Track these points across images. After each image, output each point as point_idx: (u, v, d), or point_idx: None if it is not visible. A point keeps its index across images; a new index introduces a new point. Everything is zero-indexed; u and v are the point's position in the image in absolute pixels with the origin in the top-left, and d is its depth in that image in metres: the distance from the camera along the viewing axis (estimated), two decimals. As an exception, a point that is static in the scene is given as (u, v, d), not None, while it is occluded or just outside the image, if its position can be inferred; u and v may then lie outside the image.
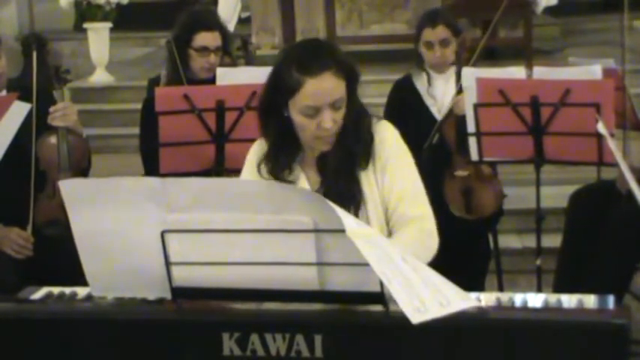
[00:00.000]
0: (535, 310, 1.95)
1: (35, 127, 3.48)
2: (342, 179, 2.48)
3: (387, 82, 4.69)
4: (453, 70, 4.09)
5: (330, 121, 2.42)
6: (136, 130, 4.11)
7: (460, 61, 4.05)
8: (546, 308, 1.96)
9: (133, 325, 1.99)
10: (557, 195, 4.52)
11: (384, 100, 4.30)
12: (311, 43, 2.57)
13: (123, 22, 8.09)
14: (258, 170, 2.56)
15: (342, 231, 1.81)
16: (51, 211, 3.44)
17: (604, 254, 3.73)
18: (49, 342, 2.00)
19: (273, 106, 2.48)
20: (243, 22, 7.93)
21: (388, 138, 2.54)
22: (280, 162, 2.54)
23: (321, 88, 2.39)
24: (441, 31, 4.09)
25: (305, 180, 2.56)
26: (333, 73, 2.40)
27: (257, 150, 2.62)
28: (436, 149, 3.96)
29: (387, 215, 2.53)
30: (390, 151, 2.52)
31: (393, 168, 2.51)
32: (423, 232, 2.48)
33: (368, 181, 2.51)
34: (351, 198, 2.47)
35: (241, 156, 3.58)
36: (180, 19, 4.07)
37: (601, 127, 3.29)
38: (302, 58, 2.43)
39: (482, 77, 3.70)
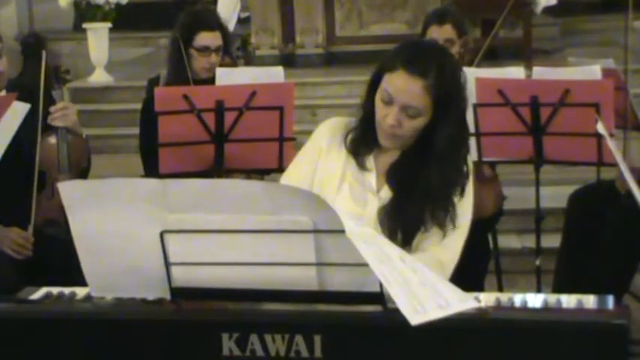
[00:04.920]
0: (535, 310, 1.95)
1: (35, 127, 3.48)
2: (420, 210, 2.42)
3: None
4: None
5: (394, 119, 2.39)
6: (136, 130, 4.11)
7: (462, 63, 4.04)
8: (546, 308, 1.95)
9: (133, 326, 1.98)
10: (556, 195, 4.52)
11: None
12: (436, 50, 2.51)
13: (122, 22, 8.09)
14: (344, 139, 2.52)
15: (342, 231, 1.81)
16: (50, 212, 3.44)
17: (603, 254, 3.73)
18: (49, 342, 1.99)
19: (378, 78, 2.45)
20: (242, 22, 7.93)
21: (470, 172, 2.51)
22: (369, 135, 2.49)
23: (403, 86, 2.37)
24: (447, 30, 4.05)
25: (375, 176, 2.52)
26: (424, 85, 2.36)
27: (336, 124, 2.58)
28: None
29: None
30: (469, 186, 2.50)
31: (466, 202, 2.48)
32: (438, 262, 2.42)
33: None
34: (417, 226, 2.44)
35: (241, 156, 3.61)
36: (180, 19, 4.07)
37: (600, 127, 3.29)
38: (416, 52, 2.43)
39: (481, 77, 3.69)
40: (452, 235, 2.46)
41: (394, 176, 2.50)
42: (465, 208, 2.48)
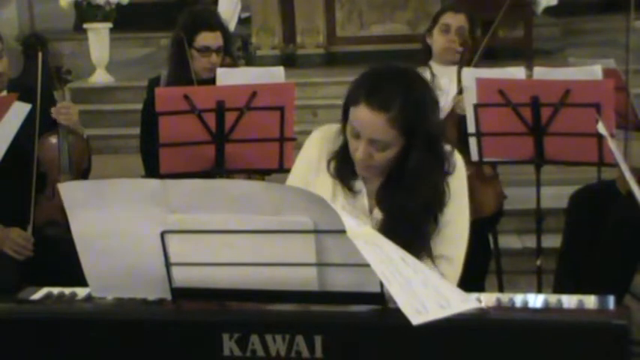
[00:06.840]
0: (535, 310, 1.95)
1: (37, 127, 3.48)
2: (407, 232, 2.35)
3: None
4: (455, 70, 4.08)
5: (364, 153, 2.35)
6: (136, 131, 4.11)
7: (463, 61, 4.04)
8: (546, 309, 1.95)
9: (133, 326, 1.99)
10: (557, 195, 4.52)
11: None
12: (399, 78, 2.36)
13: (123, 22, 8.09)
14: (327, 166, 2.48)
15: (343, 232, 1.81)
16: (51, 212, 3.44)
17: (604, 254, 3.73)
18: (49, 342, 1.99)
19: (347, 110, 2.40)
20: (243, 22, 7.94)
21: (458, 174, 2.45)
22: (350, 163, 2.44)
23: (367, 121, 2.32)
24: (462, 19, 4.07)
25: (366, 197, 2.49)
26: (387, 118, 2.29)
27: (326, 134, 2.52)
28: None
29: None
30: (455, 188, 2.44)
31: (452, 205, 2.43)
32: (445, 275, 2.39)
33: None
34: (411, 245, 2.35)
35: (241, 156, 3.62)
36: (181, 19, 4.08)
37: (601, 128, 3.29)
38: (377, 83, 2.34)
39: (482, 77, 3.70)
40: (454, 250, 2.44)
41: (383, 199, 2.46)
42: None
